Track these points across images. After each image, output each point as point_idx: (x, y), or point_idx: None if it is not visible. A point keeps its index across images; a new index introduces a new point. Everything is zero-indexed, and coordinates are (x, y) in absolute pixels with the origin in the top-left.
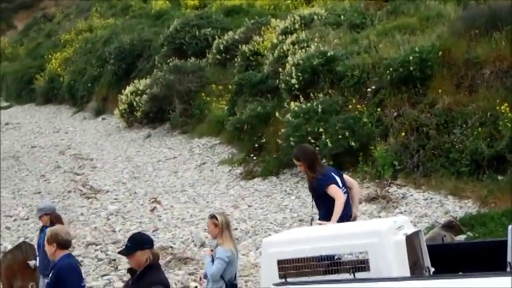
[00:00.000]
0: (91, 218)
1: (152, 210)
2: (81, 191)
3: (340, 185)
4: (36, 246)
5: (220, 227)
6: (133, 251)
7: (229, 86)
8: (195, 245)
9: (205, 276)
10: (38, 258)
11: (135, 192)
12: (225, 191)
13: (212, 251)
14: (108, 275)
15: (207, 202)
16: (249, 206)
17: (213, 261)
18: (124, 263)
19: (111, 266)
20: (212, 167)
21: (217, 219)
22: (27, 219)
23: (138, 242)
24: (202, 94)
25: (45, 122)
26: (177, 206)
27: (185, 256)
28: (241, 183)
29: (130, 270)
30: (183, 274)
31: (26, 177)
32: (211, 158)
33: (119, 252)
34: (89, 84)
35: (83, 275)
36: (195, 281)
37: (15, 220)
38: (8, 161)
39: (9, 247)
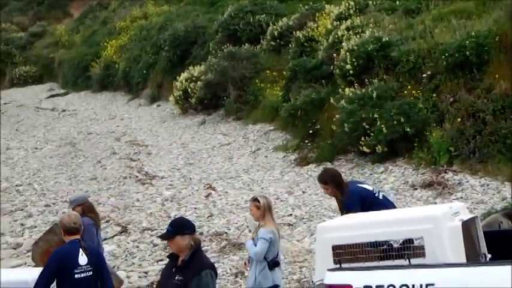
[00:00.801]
0: (146, 203)
1: (207, 196)
2: (137, 177)
3: (374, 192)
4: None
5: (263, 209)
6: (173, 235)
7: (284, 72)
8: (250, 231)
9: (250, 261)
10: None
11: (190, 178)
12: (279, 177)
13: (254, 234)
14: (163, 260)
15: (262, 188)
16: (303, 192)
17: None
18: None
19: (167, 252)
20: (266, 153)
21: (259, 201)
22: None
23: (179, 227)
24: (257, 80)
25: (100, 109)
26: (232, 192)
27: (239, 242)
28: (296, 169)
29: (170, 256)
30: (238, 260)
31: (83, 163)
32: (266, 144)
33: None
34: (144, 71)
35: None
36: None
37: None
38: (64, 148)
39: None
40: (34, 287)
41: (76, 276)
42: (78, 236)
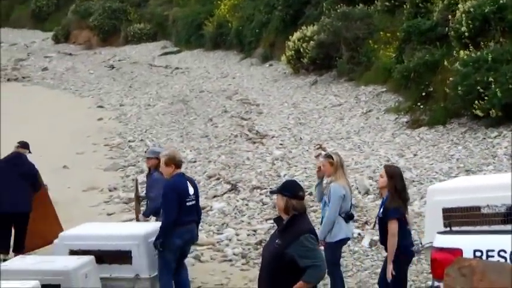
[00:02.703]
0: (256, 162)
1: (317, 156)
2: (247, 135)
3: None
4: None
5: (336, 165)
6: (275, 192)
7: (397, 34)
8: (359, 192)
9: (325, 239)
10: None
11: (301, 138)
12: (390, 139)
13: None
14: (272, 219)
15: (372, 150)
16: (414, 155)
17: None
18: None
19: (275, 211)
20: (378, 114)
21: (332, 158)
22: (194, 161)
23: (281, 187)
24: (370, 41)
25: (213, 67)
26: (342, 153)
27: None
28: (407, 132)
29: (276, 219)
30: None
31: (194, 120)
32: (377, 105)
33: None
34: (257, 30)
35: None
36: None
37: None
38: (177, 105)
39: None
40: (167, 216)
41: (187, 204)
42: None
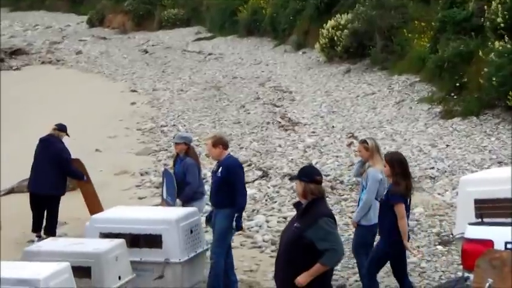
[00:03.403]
0: (288, 149)
1: (349, 145)
2: (280, 122)
3: None
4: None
5: (371, 150)
6: (294, 179)
7: (432, 23)
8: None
9: (359, 222)
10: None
11: (333, 127)
12: (423, 129)
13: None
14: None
15: (405, 140)
16: (447, 145)
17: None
18: None
19: None
20: (411, 104)
21: (367, 143)
22: None
23: (300, 172)
24: (404, 30)
25: (246, 54)
26: None
27: None
28: (440, 122)
29: (294, 204)
30: None
31: (227, 107)
32: (411, 95)
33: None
34: (291, 18)
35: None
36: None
37: None
38: (209, 91)
39: None
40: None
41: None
42: None
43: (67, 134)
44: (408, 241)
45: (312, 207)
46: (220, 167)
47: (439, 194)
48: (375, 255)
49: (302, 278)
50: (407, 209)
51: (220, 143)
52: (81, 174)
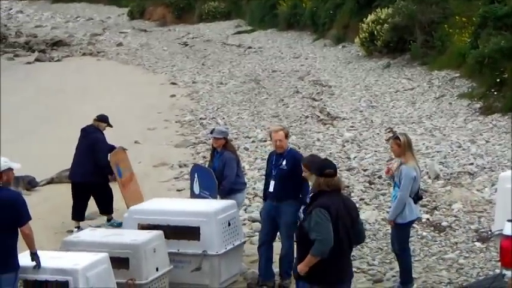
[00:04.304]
0: (326, 144)
1: (388, 140)
2: (318, 117)
3: None
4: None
5: (403, 146)
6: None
7: (473, 19)
8: (429, 177)
9: (395, 221)
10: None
11: (372, 121)
12: (462, 124)
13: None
14: None
15: (444, 135)
16: (486, 141)
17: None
18: (357, 190)
19: (345, 193)
20: (451, 100)
21: (399, 139)
22: (264, 141)
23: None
24: (445, 25)
25: (286, 48)
26: (413, 137)
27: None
28: (480, 118)
29: (311, 197)
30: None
31: (266, 100)
32: (450, 90)
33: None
34: (331, 12)
35: None
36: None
37: (253, 141)
38: (249, 84)
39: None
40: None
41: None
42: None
43: (109, 125)
44: None
45: (316, 199)
46: (284, 160)
47: (477, 190)
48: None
49: (300, 267)
50: None
51: (288, 134)
52: (110, 171)
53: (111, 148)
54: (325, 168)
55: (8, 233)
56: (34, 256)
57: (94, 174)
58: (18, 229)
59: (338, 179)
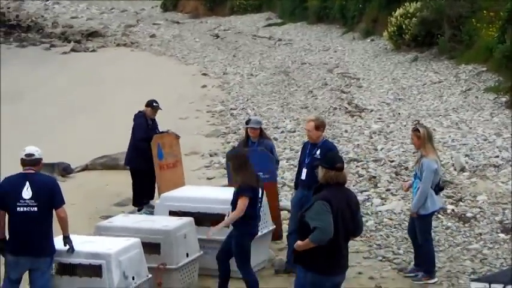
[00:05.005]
0: (354, 135)
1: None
2: (346, 108)
3: None
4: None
5: (423, 138)
6: (318, 165)
7: (501, 13)
8: (455, 169)
9: (418, 212)
10: None
11: (399, 114)
12: (488, 118)
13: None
14: (367, 191)
15: (470, 128)
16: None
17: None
18: (384, 181)
19: (371, 183)
20: (477, 93)
21: (419, 131)
22: (293, 131)
23: (322, 159)
24: (473, 20)
25: (315, 40)
26: (439, 129)
27: (444, 179)
28: (506, 112)
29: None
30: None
31: (295, 92)
32: (477, 84)
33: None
34: (360, 5)
35: None
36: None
37: (282, 132)
38: (278, 76)
39: None
40: None
41: None
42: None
43: (153, 108)
44: None
45: (320, 191)
46: (319, 149)
47: (502, 182)
48: None
49: (297, 243)
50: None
51: (322, 125)
52: (148, 156)
53: (156, 133)
54: (336, 162)
55: (44, 217)
56: (67, 240)
57: (133, 160)
58: (54, 213)
59: (344, 174)
